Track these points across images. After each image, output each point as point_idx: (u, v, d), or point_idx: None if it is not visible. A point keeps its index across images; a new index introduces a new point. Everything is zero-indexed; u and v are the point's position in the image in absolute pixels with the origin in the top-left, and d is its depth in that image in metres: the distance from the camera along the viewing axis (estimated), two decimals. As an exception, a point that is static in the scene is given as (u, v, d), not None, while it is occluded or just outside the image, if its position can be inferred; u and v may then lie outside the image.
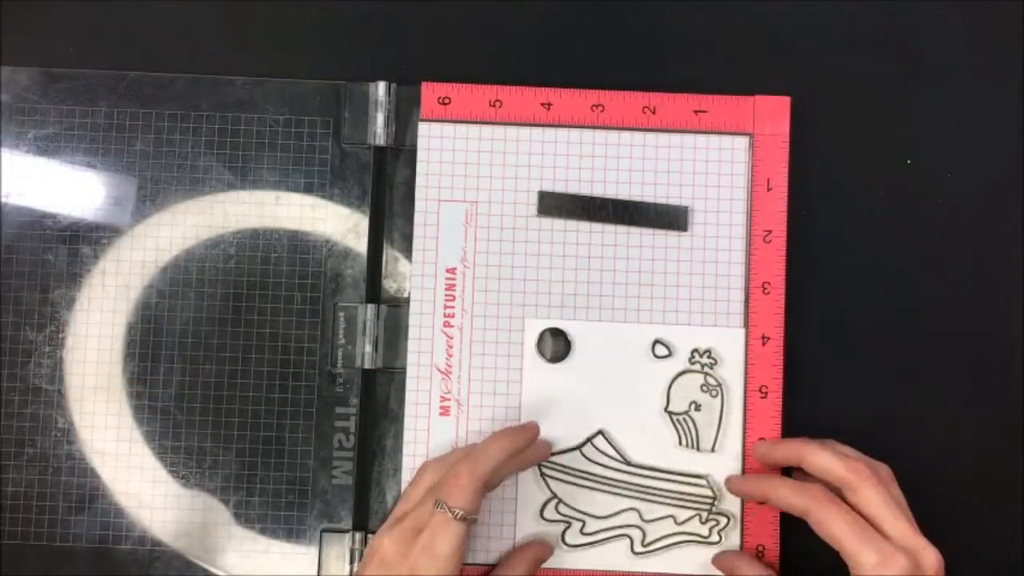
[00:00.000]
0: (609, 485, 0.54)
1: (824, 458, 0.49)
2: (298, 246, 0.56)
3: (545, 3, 0.57)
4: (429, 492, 0.49)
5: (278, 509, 0.54)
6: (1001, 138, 0.57)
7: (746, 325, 0.54)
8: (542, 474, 0.54)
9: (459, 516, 0.47)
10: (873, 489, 0.47)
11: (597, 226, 0.55)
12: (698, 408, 0.54)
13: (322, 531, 0.54)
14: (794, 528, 0.52)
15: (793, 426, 0.54)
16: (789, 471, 0.53)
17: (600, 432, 0.54)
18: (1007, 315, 0.56)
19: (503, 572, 0.52)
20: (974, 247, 0.56)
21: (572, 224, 0.55)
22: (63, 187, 0.56)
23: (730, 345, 0.54)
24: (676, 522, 0.54)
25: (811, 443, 0.50)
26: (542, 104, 0.55)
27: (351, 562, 0.54)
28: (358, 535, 0.54)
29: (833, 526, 0.47)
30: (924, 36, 0.57)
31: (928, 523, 0.47)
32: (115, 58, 0.56)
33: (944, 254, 0.56)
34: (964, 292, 0.56)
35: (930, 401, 0.55)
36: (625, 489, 0.54)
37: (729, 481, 0.54)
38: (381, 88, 0.55)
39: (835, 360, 0.56)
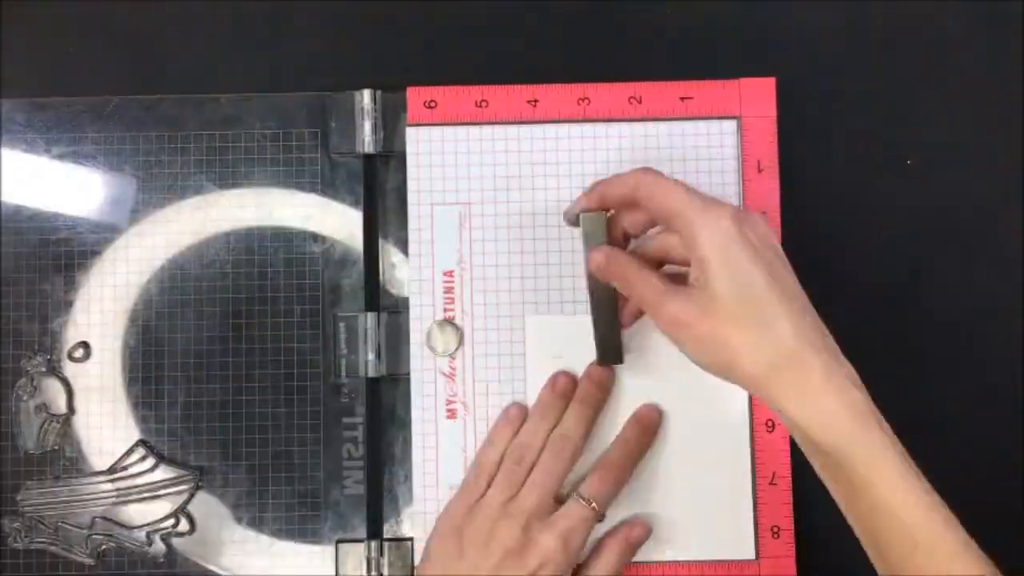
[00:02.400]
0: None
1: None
2: (294, 259, 0.56)
3: (524, 2, 0.57)
4: (540, 485, 0.50)
5: (291, 523, 0.54)
6: (1001, 138, 0.56)
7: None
8: None
9: (599, 516, 0.50)
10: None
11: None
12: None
13: (337, 542, 0.54)
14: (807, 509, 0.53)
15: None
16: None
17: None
18: (1007, 314, 0.56)
19: (593, 572, 0.51)
20: (974, 247, 0.56)
21: (566, 219, 0.55)
22: (55, 215, 0.56)
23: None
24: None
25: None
26: (528, 101, 0.55)
27: (368, 571, 0.54)
28: (373, 543, 0.54)
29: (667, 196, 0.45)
30: (924, 36, 0.57)
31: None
32: (101, 80, 0.57)
33: (944, 254, 0.56)
34: (964, 292, 0.56)
35: (930, 395, 0.55)
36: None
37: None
38: (367, 96, 0.56)
39: (837, 335, 0.55)
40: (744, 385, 0.44)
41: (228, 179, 0.56)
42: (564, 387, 0.53)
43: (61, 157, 0.56)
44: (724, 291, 0.43)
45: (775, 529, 0.54)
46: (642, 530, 0.52)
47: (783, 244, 0.54)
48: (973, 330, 0.56)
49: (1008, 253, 0.56)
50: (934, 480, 0.42)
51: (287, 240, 0.56)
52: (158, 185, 0.56)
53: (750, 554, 0.53)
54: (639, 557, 0.53)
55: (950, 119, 0.57)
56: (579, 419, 0.52)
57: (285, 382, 0.55)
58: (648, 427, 0.53)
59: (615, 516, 0.53)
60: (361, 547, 0.54)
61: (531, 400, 0.54)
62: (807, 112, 0.56)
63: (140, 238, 0.55)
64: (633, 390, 0.54)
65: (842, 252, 0.56)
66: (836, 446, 0.42)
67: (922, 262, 0.56)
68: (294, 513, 0.54)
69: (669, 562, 0.53)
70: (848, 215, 0.56)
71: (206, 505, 0.55)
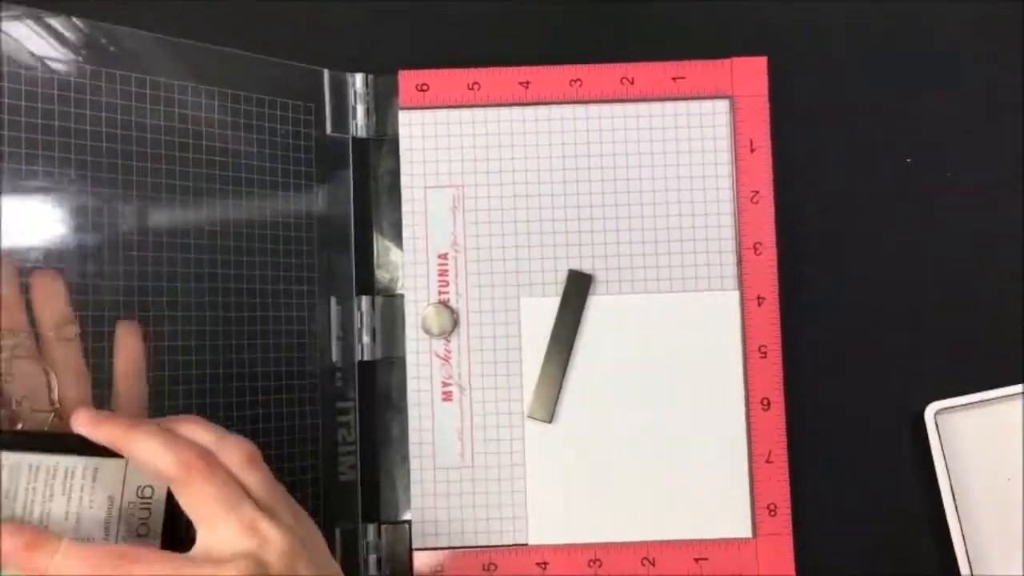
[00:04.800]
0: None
1: (149, 449, 0.40)
2: (290, 239, 0.55)
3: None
4: None
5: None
6: (1001, 138, 0.56)
7: (740, 287, 0.55)
8: None
9: None
10: (203, 485, 0.39)
11: (585, 200, 0.55)
12: (699, 373, 0.55)
13: (335, 526, 0.54)
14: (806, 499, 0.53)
15: (794, 385, 0.54)
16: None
17: None
18: (1007, 313, 0.56)
19: None
20: (974, 247, 0.56)
21: (560, 201, 0.55)
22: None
23: (725, 308, 0.55)
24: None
25: (141, 426, 0.41)
26: (520, 83, 0.55)
27: (367, 554, 0.54)
28: (371, 527, 0.54)
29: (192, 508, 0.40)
30: (924, 36, 0.57)
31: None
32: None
33: (943, 254, 0.56)
34: (963, 292, 0.56)
35: (927, 392, 0.55)
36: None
37: (78, 415, 0.41)
38: (359, 80, 0.55)
39: (833, 317, 0.56)
40: None
41: (215, 140, 0.53)
42: None
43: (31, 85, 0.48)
44: None
45: (772, 507, 0.54)
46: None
47: (777, 227, 0.55)
48: (972, 328, 0.55)
49: (1008, 252, 0.56)
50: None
51: (278, 222, 0.55)
52: (140, 136, 0.51)
53: (747, 532, 0.54)
54: (637, 537, 0.54)
55: (950, 118, 0.57)
56: None
57: (280, 367, 0.55)
58: None
59: (621, 487, 0.53)
60: (359, 530, 0.54)
61: (527, 381, 0.54)
62: (819, 126, 0.56)
63: (124, 210, 0.55)
64: (628, 374, 0.54)
65: (837, 239, 0.56)
66: None
67: (920, 256, 0.56)
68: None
69: (666, 541, 0.54)
70: (845, 206, 0.56)
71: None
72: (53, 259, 0.53)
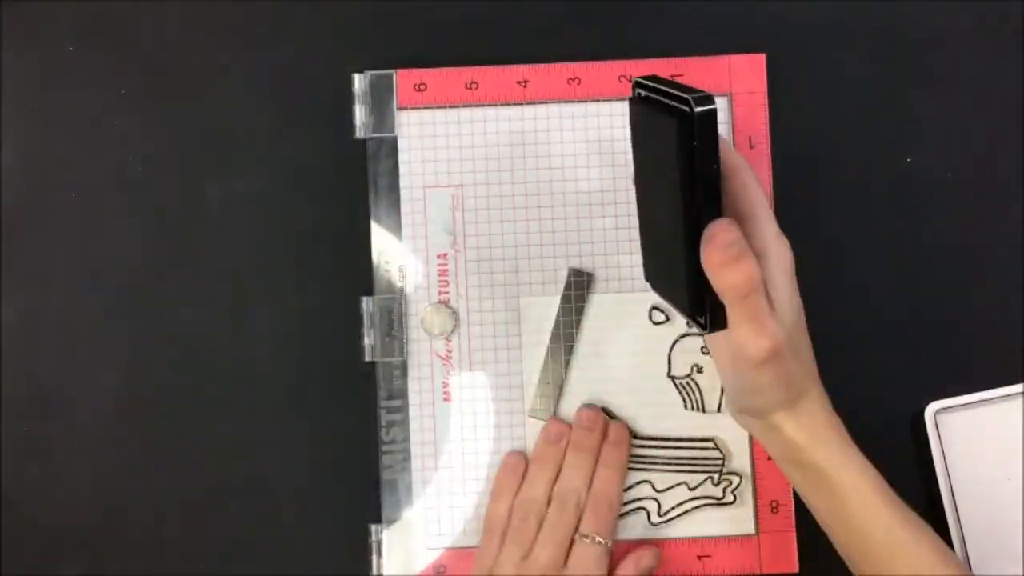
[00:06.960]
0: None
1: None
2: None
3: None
4: (551, 540, 0.51)
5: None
6: (1001, 138, 0.56)
7: (741, 284, 0.54)
8: None
9: (608, 546, 0.51)
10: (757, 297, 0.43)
11: (584, 199, 0.55)
12: (700, 371, 0.54)
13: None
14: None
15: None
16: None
17: (603, 410, 0.54)
18: (1007, 314, 0.56)
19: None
20: (974, 246, 0.56)
21: (559, 199, 0.55)
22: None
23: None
24: (689, 488, 0.54)
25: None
26: (518, 82, 0.55)
27: (370, 554, 0.54)
28: (374, 527, 0.54)
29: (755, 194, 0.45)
30: (924, 35, 0.57)
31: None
32: (100, 79, 0.56)
33: (943, 254, 0.56)
34: (963, 292, 0.56)
35: (923, 395, 0.55)
36: (635, 462, 0.54)
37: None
38: (358, 80, 0.55)
39: (833, 316, 0.55)
40: (753, 404, 0.46)
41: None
42: (558, 435, 0.53)
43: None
44: (784, 316, 0.44)
45: (774, 504, 0.54)
46: (651, 558, 0.52)
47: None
48: (972, 328, 0.55)
49: (1008, 252, 0.56)
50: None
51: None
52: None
53: (750, 529, 0.53)
54: (640, 535, 0.54)
55: (950, 118, 0.56)
56: (577, 468, 0.52)
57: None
58: (618, 442, 0.53)
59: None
60: (360, 531, 0.54)
61: (528, 380, 0.54)
62: (803, 102, 0.56)
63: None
64: (629, 372, 0.54)
65: (836, 237, 0.56)
66: (823, 464, 0.46)
67: (920, 256, 0.56)
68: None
69: (669, 539, 0.53)
70: (844, 204, 0.56)
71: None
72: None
